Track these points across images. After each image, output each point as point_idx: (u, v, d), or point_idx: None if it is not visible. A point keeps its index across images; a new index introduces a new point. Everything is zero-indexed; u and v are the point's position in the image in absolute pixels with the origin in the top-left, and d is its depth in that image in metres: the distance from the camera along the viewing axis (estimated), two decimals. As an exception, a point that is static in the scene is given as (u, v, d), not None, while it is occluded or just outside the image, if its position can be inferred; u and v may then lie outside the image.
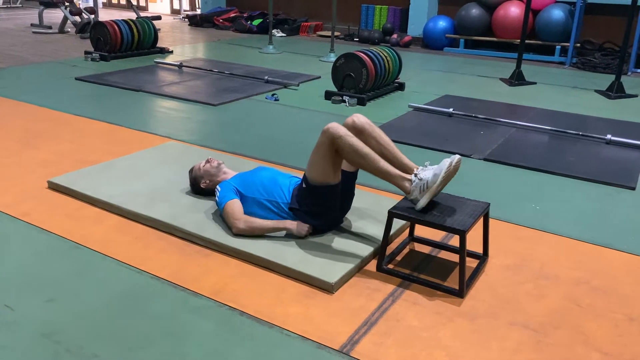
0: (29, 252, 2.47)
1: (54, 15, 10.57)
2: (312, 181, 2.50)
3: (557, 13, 7.98)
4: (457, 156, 2.40)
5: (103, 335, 1.94)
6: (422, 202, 2.35)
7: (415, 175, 2.39)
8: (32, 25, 9.83)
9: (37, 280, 2.26)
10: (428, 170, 2.40)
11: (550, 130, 4.58)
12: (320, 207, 2.55)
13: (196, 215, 2.75)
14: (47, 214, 2.81)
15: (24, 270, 2.32)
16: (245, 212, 2.62)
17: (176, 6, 13.13)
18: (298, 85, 5.96)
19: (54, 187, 3.10)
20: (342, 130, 2.40)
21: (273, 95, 5.46)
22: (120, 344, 1.90)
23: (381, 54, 5.59)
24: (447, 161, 2.35)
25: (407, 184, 2.39)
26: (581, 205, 3.21)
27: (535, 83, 6.63)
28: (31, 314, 2.04)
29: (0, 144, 3.80)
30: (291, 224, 2.56)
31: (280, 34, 10.08)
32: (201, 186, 2.93)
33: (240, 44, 8.93)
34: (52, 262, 2.40)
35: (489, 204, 2.50)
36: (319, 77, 6.45)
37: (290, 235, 2.59)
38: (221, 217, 2.68)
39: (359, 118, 2.57)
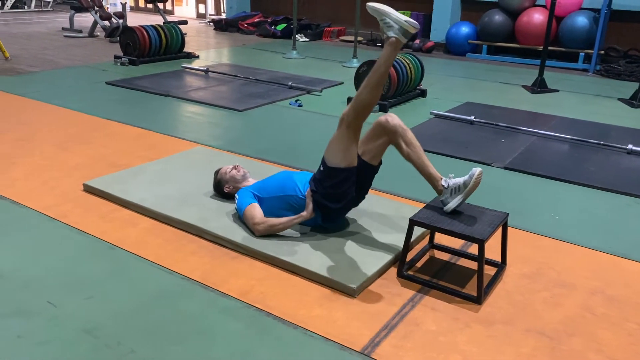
0: (68, 252, 2.62)
1: (84, 20, 10.87)
2: (330, 162, 2.60)
3: (581, 20, 7.96)
4: (479, 169, 2.51)
5: (139, 332, 2.07)
6: (453, 204, 2.46)
7: (447, 180, 2.51)
8: (63, 29, 10.12)
9: (77, 278, 2.40)
10: (457, 179, 2.52)
11: (571, 139, 4.61)
12: (335, 189, 2.62)
13: (224, 219, 2.87)
14: (84, 216, 2.96)
15: (64, 269, 2.47)
16: (264, 213, 2.74)
17: (202, 10, 13.36)
18: (321, 91, 6.08)
19: (89, 189, 3.26)
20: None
21: (297, 101, 5.58)
22: (155, 341, 2.03)
23: (403, 62, 5.67)
24: (476, 170, 2.50)
25: (440, 183, 2.53)
26: (600, 215, 3.26)
27: (557, 91, 6.64)
28: (72, 310, 2.18)
29: (37, 147, 3.98)
30: (304, 213, 2.67)
31: (304, 38, 10.21)
32: (224, 190, 3.06)
33: (264, 49, 9.08)
34: (90, 261, 2.54)
35: (507, 214, 2.57)
36: (342, 83, 6.56)
37: (314, 241, 2.69)
38: (242, 221, 2.81)
39: (393, 118, 2.62)
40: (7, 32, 9.58)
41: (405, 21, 2.40)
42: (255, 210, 2.74)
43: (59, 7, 13.43)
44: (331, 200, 2.65)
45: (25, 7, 13.09)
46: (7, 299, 2.24)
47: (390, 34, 2.43)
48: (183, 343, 2.02)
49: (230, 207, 3.00)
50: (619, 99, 6.32)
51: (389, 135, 2.61)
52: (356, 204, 2.82)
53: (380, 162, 2.73)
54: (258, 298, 2.30)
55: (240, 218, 2.82)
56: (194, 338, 2.06)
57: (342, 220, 2.88)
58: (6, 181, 3.37)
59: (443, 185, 2.54)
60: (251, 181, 3.05)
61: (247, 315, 2.20)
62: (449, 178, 2.56)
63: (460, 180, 2.51)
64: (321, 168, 2.65)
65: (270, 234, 2.69)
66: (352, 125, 2.54)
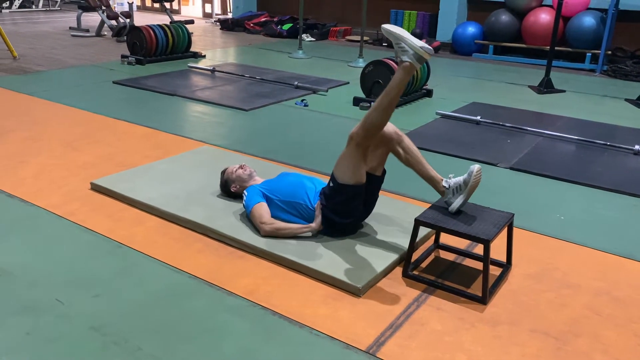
0: (76, 250, 2.65)
1: (92, 19, 10.92)
2: (339, 179, 2.61)
3: (588, 20, 7.93)
4: (477, 165, 2.53)
5: (146, 330, 2.09)
6: (456, 203, 2.49)
7: (447, 180, 2.53)
8: (70, 28, 10.17)
9: (85, 276, 2.43)
10: (457, 178, 2.53)
11: (578, 140, 4.60)
12: (344, 206, 2.65)
13: (230, 218, 2.89)
14: (91, 214, 2.99)
15: (72, 267, 2.50)
16: (271, 215, 2.76)
17: (208, 10, 13.39)
18: (327, 90, 6.09)
19: (97, 188, 3.28)
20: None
21: (302, 100, 5.60)
22: (162, 339, 2.05)
23: (410, 62, 5.66)
24: (474, 167, 2.52)
25: (441, 185, 2.56)
26: (606, 216, 3.26)
27: (564, 91, 6.63)
28: (80, 308, 2.20)
29: (45, 146, 4.01)
30: (313, 224, 2.69)
31: (310, 38, 10.23)
32: (231, 189, 3.08)
33: (270, 49, 9.10)
34: (97, 259, 2.57)
35: (513, 215, 2.58)
36: (348, 83, 6.57)
37: (320, 240, 2.71)
38: (249, 219, 2.83)
39: (388, 127, 2.65)
40: (16, 31, 9.64)
41: (420, 47, 2.38)
42: (263, 209, 2.76)
43: (66, 7, 13.51)
44: (340, 215, 2.67)
45: (33, 6, 13.17)
46: (16, 297, 2.26)
47: (405, 58, 2.42)
48: (190, 341, 2.04)
49: (236, 206, 3.02)
50: (626, 100, 6.30)
51: (387, 144, 2.64)
52: (364, 218, 2.84)
53: (384, 172, 2.75)
54: (264, 297, 2.32)
55: (247, 215, 2.84)
56: (200, 336, 2.07)
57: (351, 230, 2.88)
58: (15, 180, 3.40)
59: (444, 186, 2.56)
60: (258, 180, 3.06)
61: (253, 314, 2.21)
62: (449, 178, 2.57)
63: (460, 179, 2.53)
64: (331, 184, 2.67)
65: (275, 236, 2.71)
66: (361, 145, 2.55)
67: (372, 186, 2.72)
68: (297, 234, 2.71)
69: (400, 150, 2.65)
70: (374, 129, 2.54)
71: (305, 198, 2.76)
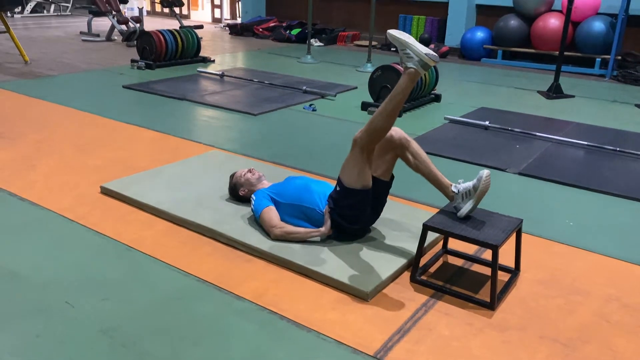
0: (85, 253, 2.67)
1: (102, 24, 11.01)
2: (346, 183, 2.62)
3: (598, 25, 7.90)
4: (486, 171, 2.52)
5: (154, 333, 2.10)
6: (465, 209, 2.48)
7: (456, 185, 2.53)
8: (81, 33, 10.26)
9: (94, 279, 2.44)
10: (466, 183, 2.53)
11: (587, 145, 4.58)
12: (352, 211, 2.66)
13: (239, 222, 2.90)
14: (101, 218, 3.01)
15: (81, 270, 2.51)
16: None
17: (217, 15, 13.47)
18: (335, 95, 6.10)
19: (106, 192, 3.31)
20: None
21: (311, 105, 5.61)
22: (170, 342, 2.06)
23: (418, 66, 5.67)
24: (484, 172, 2.51)
25: (450, 190, 2.55)
26: (615, 222, 3.24)
27: (573, 96, 6.60)
28: (89, 310, 2.22)
29: (56, 150, 4.05)
30: (323, 229, 2.70)
31: (318, 43, 10.26)
32: (239, 193, 3.09)
33: (279, 53, 9.13)
34: (107, 263, 2.58)
35: (521, 220, 2.57)
36: (356, 88, 6.58)
37: (328, 244, 2.71)
38: (258, 223, 2.83)
39: (397, 132, 2.66)
40: (27, 36, 9.74)
41: (425, 54, 2.39)
42: (272, 213, 2.77)
43: (77, 12, 13.63)
44: (347, 221, 2.68)
45: (45, 11, 13.30)
46: (26, 299, 2.28)
47: (409, 64, 2.43)
48: (198, 344, 2.05)
49: (245, 210, 3.03)
50: (636, 105, 6.26)
51: (395, 150, 2.65)
52: (372, 223, 2.84)
53: (392, 177, 2.76)
54: (272, 301, 2.32)
55: (256, 220, 2.85)
56: (209, 340, 2.08)
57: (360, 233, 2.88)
58: (26, 183, 3.44)
59: (453, 191, 2.56)
60: (266, 184, 3.07)
61: (261, 317, 2.22)
62: (458, 183, 2.57)
63: (469, 184, 2.53)
64: (337, 188, 2.68)
65: (285, 240, 2.71)
66: (366, 149, 2.56)
67: (380, 191, 2.72)
68: (307, 238, 2.72)
69: (410, 156, 2.65)
70: (378, 133, 2.55)
71: (313, 202, 2.77)
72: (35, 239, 2.77)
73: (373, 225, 2.90)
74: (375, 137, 2.55)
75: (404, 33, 2.47)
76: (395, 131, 2.65)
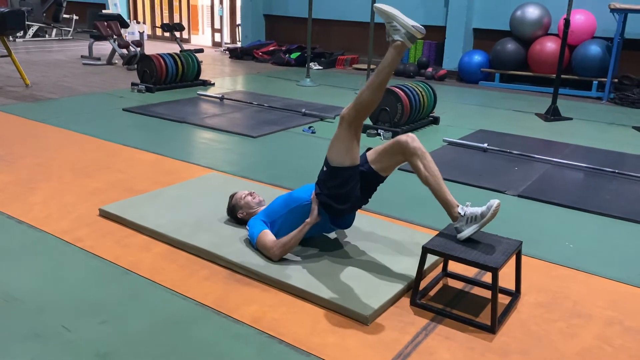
0: (83, 276, 2.65)
1: (103, 47, 11.12)
2: (333, 162, 2.62)
3: (594, 48, 7.99)
4: (497, 201, 2.49)
5: (152, 357, 2.08)
6: (467, 233, 2.45)
7: (464, 207, 2.51)
8: (82, 56, 10.35)
9: (91, 303, 2.42)
10: (474, 208, 2.51)
11: (586, 167, 4.59)
12: (340, 189, 2.63)
13: (238, 245, 2.89)
14: (99, 241, 2.99)
15: (78, 293, 2.49)
16: (276, 236, 2.77)
17: (217, 39, 13.62)
18: (334, 117, 6.13)
19: (105, 214, 3.30)
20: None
21: (310, 127, 5.64)
22: (168, 367, 2.03)
23: (416, 89, 5.72)
24: (495, 202, 2.48)
25: (456, 210, 2.52)
26: (616, 244, 3.23)
27: (571, 119, 6.64)
28: (86, 335, 2.19)
29: (55, 172, 4.05)
30: (309, 219, 2.69)
31: (317, 66, 10.35)
32: (238, 215, 3.09)
33: (278, 77, 9.21)
34: (104, 286, 2.56)
35: (521, 242, 2.56)
36: (355, 110, 6.60)
37: (327, 267, 2.69)
38: (256, 249, 2.83)
39: (414, 140, 2.62)
40: (28, 59, 9.82)
41: (412, 26, 2.44)
42: (267, 237, 2.76)
43: (78, 36, 13.77)
44: (337, 201, 2.66)
45: (47, 35, 13.44)
46: (22, 323, 2.26)
47: (396, 37, 2.48)
48: (195, 369, 2.02)
49: (243, 232, 3.02)
50: (634, 127, 6.29)
51: (407, 156, 2.62)
52: (361, 205, 2.81)
53: (387, 175, 2.75)
54: (270, 325, 2.30)
55: (254, 247, 2.83)
56: (207, 364, 2.05)
57: (351, 219, 2.87)
58: (24, 206, 3.43)
59: (459, 213, 2.53)
60: (264, 209, 3.07)
61: (260, 342, 2.19)
62: (467, 206, 2.54)
63: (477, 210, 2.49)
64: (324, 168, 2.68)
65: (287, 252, 2.71)
66: (353, 124, 2.57)
67: (373, 181, 2.71)
68: (302, 236, 2.71)
69: (421, 167, 2.60)
70: (365, 107, 2.57)
71: (299, 199, 2.78)
72: (32, 262, 2.76)
73: (372, 248, 2.89)
74: (362, 111, 2.57)
75: (391, 7, 2.50)
76: (412, 139, 2.62)
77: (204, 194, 3.61)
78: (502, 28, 9.03)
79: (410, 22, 2.46)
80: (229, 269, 2.73)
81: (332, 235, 3.06)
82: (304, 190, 2.83)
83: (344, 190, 2.64)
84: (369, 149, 2.77)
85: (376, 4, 2.58)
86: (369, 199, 2.81)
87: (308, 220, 2.70)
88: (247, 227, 2.91)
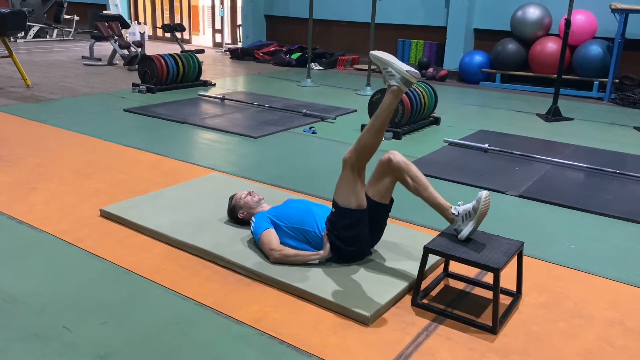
0: (84, 276, 2.65)
1: (104, 48, 11.12)
2: (340, 204, 2.62)
3: (595, 49, 7.98)
4: (485, 192, 2.53)
5: (153, 358, 2.07)
6: (466, 231, 2.47)
7: (456, 207, 2.52)
8: (83, 57, 10.36)
9: (92, 303, 2.42)
10: (466, 205, 2.52)
11: (587, 167, 4.59)
12: (348, 232, 2.64)
13: (238, 245, 2.89)
14: (100, 241, 3.00)
15: (79, 294, 2.49)
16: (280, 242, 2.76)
17: (218, 39, 13.62)
18: (335, 118, 6.13)
19: (106, 215, 3.30)
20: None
21: (311, 128, 5.64)
22: (169, 367, 2.03)
23: (417, 90, 5.72)
24: (483, 193, 2.51)
25: (450, 212, 2.55)
26: (617, 244, 3.22)
27: (572, 119, 6.63)
28: (87, 335, 2.19)
29: (56, 173, 4.05)
30: (322, 252, 2.68)
31: (318, 67, 10.35)
32: (238, 216, 3.09)
33: (279, 77, 9.21)
34: (105, 287, 2.56)
35: (522, 243, 2.56)
36: (356, 111, 6.61)
37: (328, 268, 2.69)
38: (257, 246, 2.82)
39: (395, 156, 2.65)
40: (29, 60, 9.83)
41: (407, 71, 2.50)
42: (272, 236, 2.76)
43: (79, 37, 13.78)
44: (345, 242, 2.67)
45: (47, 36, 13.45)
46: (23, 324, 2.26)
47: (392, 82, 2.54)
48: (196, 370, 2.02)
49: (244, 233, 3.02)
50: (635, 128, 6.29)
51: (394, 173, 2.65)
52: (372, 246, 2.83)
53: (392, 200, 2.76)
54: (271, 325, 2.30)
55: (256, 242, 2.83)
56: (207, 365, 2.05)
57: (358, 259, 2.85)
58: (25, 206, 3.43)
59: (453, 213, 2.55)
60: (265, 207, 3.07)
61: (261, 342, 2.19)
62: (458, 205, 2.56)
63: (469, 206, 2.52)
64: (333, 210, 2.68)
65: (284, 263, 2.70)
66: (356, 167, 2.59)
67: (379, 214, 2.72)
68: (306, 262, 2.70)
69: (409, 180, 2.64)
70: (366, 151, 2.60)
71: (314, 225, 2.76)
72: (33, 263, 2.76)
73: (373, 249, 2.88)
74: (364, 154, 2.60)
75: (386, 53, 2.57)
76: (394, 155, 2.66)
77: (205, 194, 3.61)
78: (502, 28, 9.03)
79: (404, 67, 2.52)
80: (230, 270, 2.73)
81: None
82: (322, 216, 2.79)
83: (353, 233, 2.65)
84: None
85: (372, 52, 2.64)
86: (381, 236, 2.82)
87: (322, 253, 2.69)
88: (252, 219, 2.90)
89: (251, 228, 2.87)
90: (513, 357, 2.16)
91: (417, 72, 2.52)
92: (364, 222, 2.66)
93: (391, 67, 2.53)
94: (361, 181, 2.62)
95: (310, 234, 2.76)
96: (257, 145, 5.07)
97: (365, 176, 2.69)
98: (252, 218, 2.91)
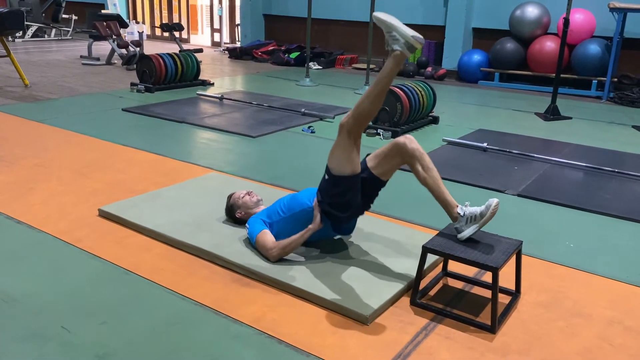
0: (83, 276, 2.64)
1: (102, 47, 11.11)
2: (334, 171, 2.61)
3: (594, 48, 7.98)
4: (496, 200, 2.49)
5: (151, 358, 2.07)
6: (467, 233, 2.45)
7: (463, 207, 2.50)
8: (81, 57, 10.34)
9: (91, 303, 2.42)
10: (473, 208, 2.50)
11: (586, 166, 4.59)
12: (341, 198, 2.62)
13: (237, 245, 2.88)
14: (99, 241, 2.99)
15: (78, 294, 2.49)
16: (276, 237, 2.76)
17: (217, 39, 13.61)
18: (334, 117, 6.13)
19: (105, 215, 3.29)
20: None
21: (309, 127, 5.63)
22: (167, 367, 2.03)
23: (416, 89, 5.71)
24: (493, 201, 2.47)
25: (456, 211, 2.51)
26: (616, 243, 3.22)
27: (570, 118, 6.64)
28: (86, 335, 2.19)
29: (55, 173, 4.04)
30: (312, 225, 2.69)
31: (317, 66, 10.35)
32: (236, 215, 3.09)
33: (278, 77, 9.20)
34: (104, 287, 2.56)
35: (521, 242, 2.56)
36: (355, 110, 6.59)
37: (327, 268, 2.69)
38: (255, 248, 2.82)
39: (412, 142, 2.60)
40: (28, 60, 9.81)
41: (412, 36, 2.43)
42: (267, 237, 2.75)
43: (78, 36, 13.76)
44: (338, 209, 2.65)
45: (46, 36, 13.43)
46: (21, 324, 2.25)
47: (396, 47, 2.47)
48: (195, 370, 2.02)
49: (243, 232, 3.02)
50: (633, 126, 6.29)
51: (405, 158, 2.61)
52: (363, 212, 2.81)
53: (388, 179, 2.74)
54: (270, 325, 2.30)
55: (253, 245, 2.83)
56: (206, 365, 2.05)
57: (352, 226, 2.87)
58: (24, 206, 3.42)
59: (459, 213, 2.52)
60: (263, 208, 3.06)
61: (260, 342, 2.19)
62: (466, 206, 2.54)
63: (477, 209, 2.49)
64: (326, 177, 2.67)
65: (285, 255, 2.70)
66: (353, 133, 2.57)
67: (372, 187, 2.70)
68: (303, 241, 2.71)
69: (420, 168, 2.59)
70: (364, 117, 2.58)
71: (302, 204, 2.76)
72: (32, 263, 2.75)
73: (372, 248, 2.88)
74: (361, 120, 2.58)
75: (390, 16, 2.48)
76: (410, 140, 2.60)
77: (204, 194, 3.61)
78: (501, 27, 9.03)
79: (410, 32, 2.45)
80: (229, 269, 2.73)
81: (332, 235, 3.06)
82: (307, 196, 2.81)
83: (346, 199, 2.63)
84: (368, 154, 2.77)
85: (375, 13, 2.55)
86: (371, 205, 2.80)
87: (310, 226, 2.69)
88: (246, 225, 2.90)
89: (247, 232, 2.87)
90: (512, 357, 2.16)
91: (422, 37, 2.45)
92: (357, 187, 2.63)
93: (395, 31, 2.45)
94: (357, 147, 2.59)
95: (302, 214, 2.75)
96: (256, 144, 5.07)
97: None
98: (247, 223, 2.91)
